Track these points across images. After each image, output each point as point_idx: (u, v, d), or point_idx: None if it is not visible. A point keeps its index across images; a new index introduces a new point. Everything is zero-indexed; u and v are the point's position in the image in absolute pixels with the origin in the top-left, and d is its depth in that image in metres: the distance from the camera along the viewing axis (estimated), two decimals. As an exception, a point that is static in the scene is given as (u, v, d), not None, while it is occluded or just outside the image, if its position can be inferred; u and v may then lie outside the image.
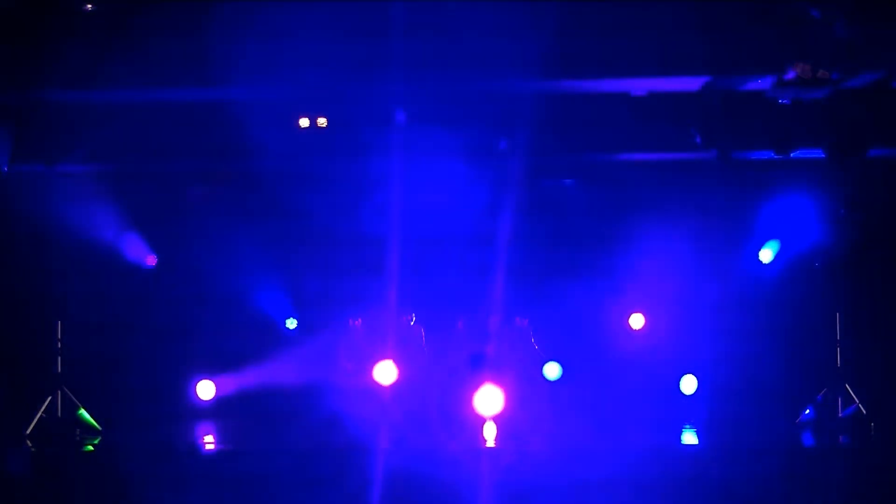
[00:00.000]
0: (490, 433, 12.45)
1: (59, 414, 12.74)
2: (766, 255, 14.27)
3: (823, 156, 11.79)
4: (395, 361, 13.50)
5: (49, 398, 12.69)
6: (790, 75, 9.84)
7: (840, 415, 12.58)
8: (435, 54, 10.06)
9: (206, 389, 14.42)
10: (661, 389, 14.53)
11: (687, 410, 14.26)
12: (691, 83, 10.61)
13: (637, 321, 14.73)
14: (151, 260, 14.46)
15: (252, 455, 11.15)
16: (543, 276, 14.28)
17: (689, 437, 12.41)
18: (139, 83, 10.35)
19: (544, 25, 9.89)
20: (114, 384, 13.58)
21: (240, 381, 14.40)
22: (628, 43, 10.03)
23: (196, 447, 12.05)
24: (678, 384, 14.58)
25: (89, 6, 9.49)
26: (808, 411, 12.73)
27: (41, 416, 12.54)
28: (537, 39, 9.92)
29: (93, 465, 11.00)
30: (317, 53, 10.13)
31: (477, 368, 13.76)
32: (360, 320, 13.18)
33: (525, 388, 13.76)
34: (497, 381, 13.39)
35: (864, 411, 12.35)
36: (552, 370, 14.08)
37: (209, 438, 12.70)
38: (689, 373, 14.54)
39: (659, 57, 10.08)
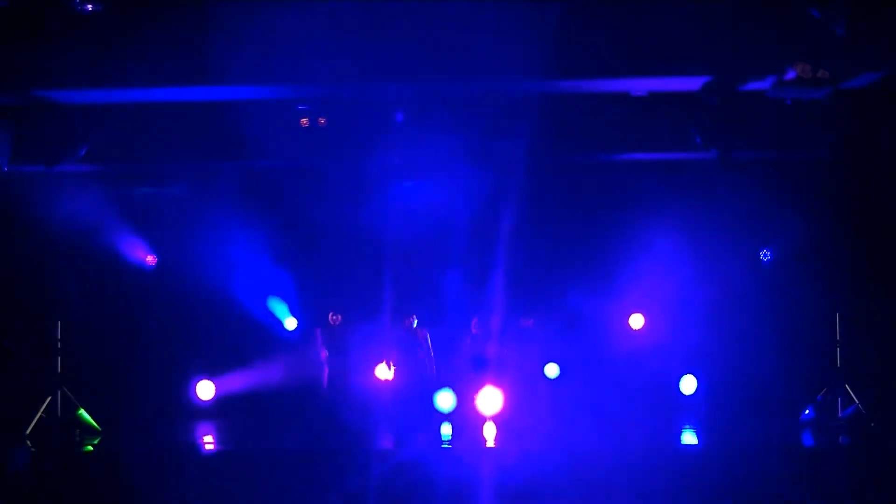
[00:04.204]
0: (490, 433, 12.47)
1: (59, 414, 12.74)
2: (766, 254, 14.27)
3: (823, 156, 11.78)
4: (395, 362, 13.51)
5: (49, 398, 12.69)
6: (790, 75, 9.84)
7: (840, 415, 12.58)
8: (435, 55, 10.06)
9: (206, 389, 14.43)
10: (661, 389, 14.53)
11: (687, 410, 14.26)
12: (691, 83, 10.61)
13: (637, 321, 14.73)
14: (151, 260, 14.47)
15: (252, 455, 11.15)
16: (544, 276, 14.27)
17: (689, 437, 12.42)
18: (139, 83, 10.35)
19: (544, 26, 9.90)
20: (114, 384, 13.59)
21: (240, 381, 14.41)
22: (628, 43, 10.02)
23: (196, 447, 12.05)
24: (678, 384, 14.58)
25: (89, 6, 9.49)
26: (808, 411, 12.73)
27: (41, 416, 12.54)
28: (537, 40, 9.92)
29: (93, 465, 11.00)
30: (317, 53, 10.13)
31: (478, 369, 13.77)
32: (339, 316, 13.23)
33: (525, 388, 13.77)
34: (497, 381, 13.44)
35: (864, 411, 12.35)
36: (551, 370, 14.09)
37: (209, 438, 12.70)
38: (689, 373, 14.54)
39: (659, 57, 10.08)
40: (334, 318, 13.28)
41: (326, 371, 13.36)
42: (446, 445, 11.77)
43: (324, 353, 13.27)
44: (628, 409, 13.95)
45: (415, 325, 13.55)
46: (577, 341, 14.32)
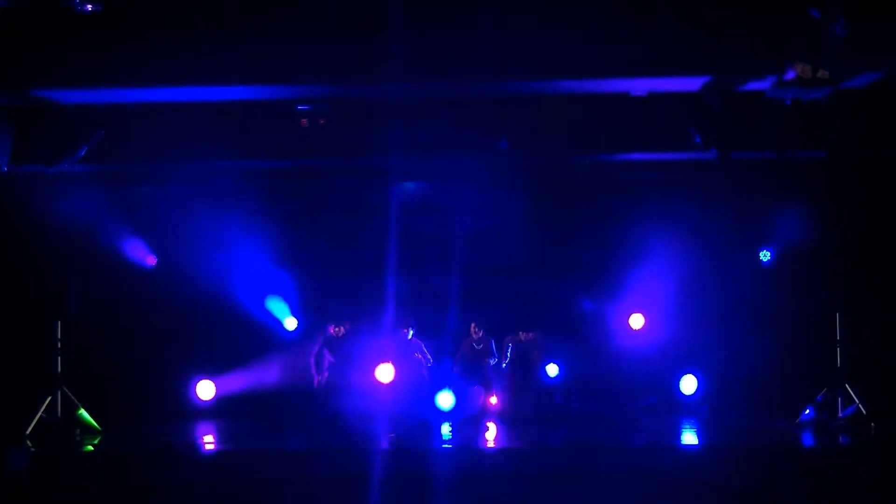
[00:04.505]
0: (490, 433, 12.48)
1: (59, 414, 12.75)
2: (766, 254, 14.27)
3: (823, 156, 11.78)
4: (394, 364, 13.55)
5: (49, 398, 12.70)
6: (790, 75, 9.83)
7: (840, 415, 12.58)
8: (435, 55, 10.07)
9: (206, 389, 14.43)
10: (662, 389, 14.52)
11: (687, 410, 14.26)
12: (691, 83, 10.61)
13: (637, 321, 14.73)
14: (151, 260, 14.46)
15: (252, 455, 11.15)
16: (543, 276, 14.28)
17: (689, 437, 12.42)
18: (138, 83, 10.35)
19: (545, 26, 9.90)
20: (114, 384, 13.59)
21: (240, 381, 14.41)
22: (628, 43, 10.02)
23: (196, 447, 12.05)
24: (678, 384, 14.57)
25: (89, 6, 9.49)
26: (808, 411, 12.74)
27: (41, 416, 12.55)
28: (538, 40, 9.92)
29: (93, 466, 11.00)
30: (317, 53, 10.13)
31: (477, 369, 13.80)
32: (342, 328, 13.31)
33: (525, 388, 13.80)
34: (497, 381, 13.50)
35: (864, 411, 12.36)
36: (549, 370, 14.10)
37: (209, 438, 12.70)
38: (689, 373, 14.54)
39: (659, 57, 10.08)
40: (336, 329, 13.30)
41: (326, 374, 13.40)
42: (446, 445, 11.78)
43: (326, 360, 13.30)
44: (628, 408, 13.97)
45: (410, 336, 13.62)
46: (577, 341, 14.31)
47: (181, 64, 10.14)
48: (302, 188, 14.57)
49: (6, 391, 12.81)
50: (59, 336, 13.06)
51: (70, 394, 12.84)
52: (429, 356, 13.67)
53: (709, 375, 14.38)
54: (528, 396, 13.79)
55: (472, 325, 13.89)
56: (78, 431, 12.63)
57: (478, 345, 13.86)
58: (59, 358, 12.98)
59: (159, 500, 10.06)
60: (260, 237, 14.31)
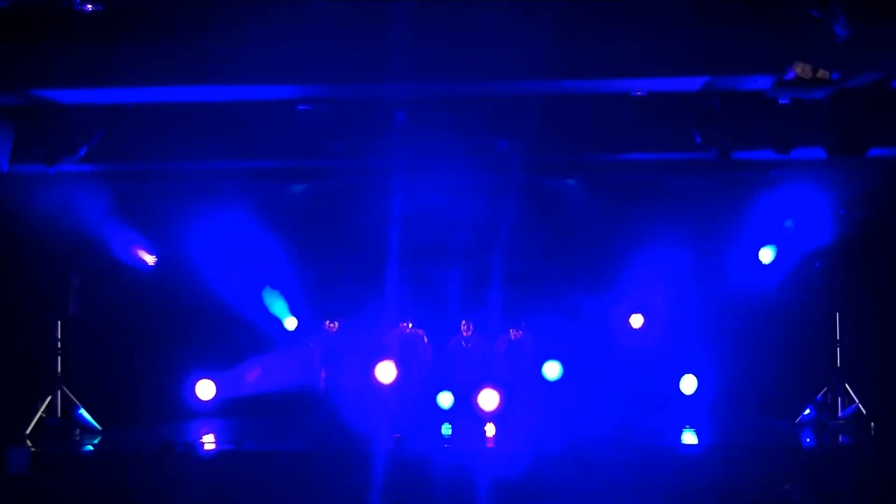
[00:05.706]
0: (490, 432, 12.47)
1: (59, 414, 12.74)
2: (766, 255, 14.28)
3: (823, 156, 11.78)
4: (395, 364, 13.55)
5: (49, 398, 12.69)
6: (790, 75, 9.82)
7: (840, 415, 12.58)
8: (436, 56, 10.06)
9: (206, 389, 14.42)
10: (661, 389, 14.53)
11: (687, 410, 14.26)
12: (691, 83, 10.60)
13: (637, 321, 14.73)
14: (151, 260, 14.46)
15: (252, 455, 11.15)
16: (544, 276, 14.28)
17: (689, 437, 12.42)
18: (139, 82, 10.34)
19: (545, 26, 9.89)
20: (114, 384, 13.59)
21: (240, 381, 14.41)
22: (628, 43, 10.01)
23: (196, 447, 12.05)
24: (678, 384, 14.58)
25: (89, 6, 9.48)
26: (808, 411, 12.74)
27: (41, 416, 12.54)
28: (537, 40, 9.91)
29: (93, 465, 11.00)
30: (317, 53, 10.13)
31: (476, 370, 13.79)
32: (336, 324, 13.35)
33: (524, 387, 13.78)
34: (495, 381, 13.48)
35: (864, 411, 12.36)
36: (552, 370, 14.10)
37: (209, 438, 12.70)
38: (689, 373, 14.54)
39: (659, 57, 10.07)
40: (331, 325, 13.34)
41: (323, 374, 13.41)
42: (446, 445, 11.77)
43: (322, 359, 13.33)
44: (628, 408, 13.96)
45: (409, 329, 13.62)
46: (578, 341, 14.32)
47: (181, 64, 10.13)
48: (302, 188, 14.58)
49: (6, 391, 12.82)
50: (59, 336, 13.06)
51: (70, 394, 12.84)
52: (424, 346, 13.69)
53: (709, 375, 14.39)
54: (524, 395, 13.79)
55: (463, 322, 13.88)
56: (78, 431, 12.62)
57: (473, 341, 13.86)
58: (59, 358, 12.98)
59: (159, 500, 10.06)
60: (260, 237, 14.31)
